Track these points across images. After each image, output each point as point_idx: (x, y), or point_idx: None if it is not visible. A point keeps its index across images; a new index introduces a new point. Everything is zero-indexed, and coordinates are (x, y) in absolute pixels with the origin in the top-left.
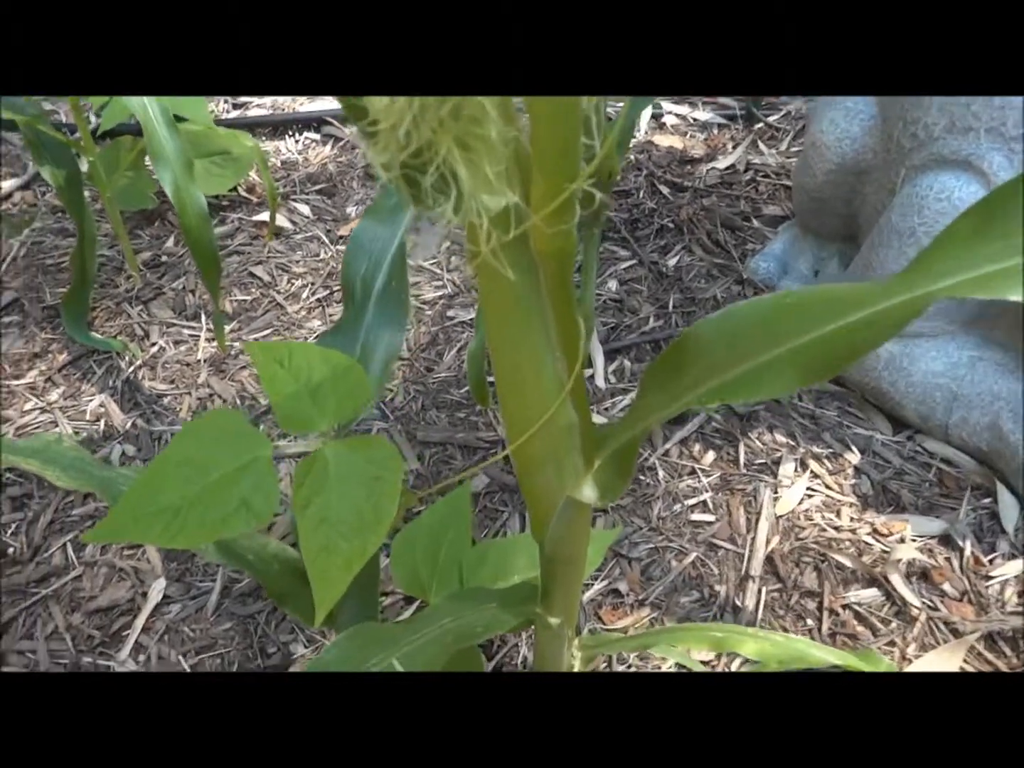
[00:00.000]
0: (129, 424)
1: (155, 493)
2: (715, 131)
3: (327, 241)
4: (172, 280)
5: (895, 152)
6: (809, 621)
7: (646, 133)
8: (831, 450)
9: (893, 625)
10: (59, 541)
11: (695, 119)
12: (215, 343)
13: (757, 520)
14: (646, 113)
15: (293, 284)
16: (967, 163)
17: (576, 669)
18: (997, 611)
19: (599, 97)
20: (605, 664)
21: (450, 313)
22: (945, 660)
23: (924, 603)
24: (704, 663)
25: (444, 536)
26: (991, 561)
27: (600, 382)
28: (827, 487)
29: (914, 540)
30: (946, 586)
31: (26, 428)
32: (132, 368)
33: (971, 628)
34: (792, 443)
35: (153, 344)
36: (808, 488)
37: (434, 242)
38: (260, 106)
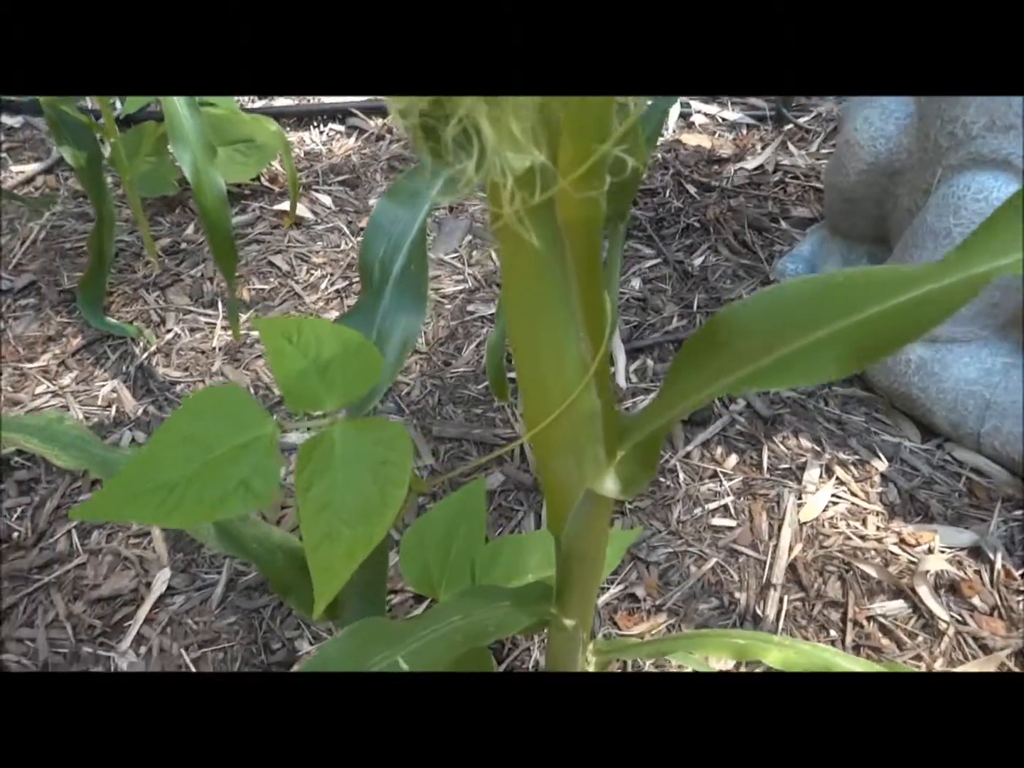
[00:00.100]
0: (141, 411)
1: (152, 470)
2: (744, 131)
3: (348, 232)
4: (191, 267)
5: (931, 151)
6: (832, 632)
7: (674, 132)
8: (858, 457)
9: (920, 639)
10: (64, 527)
11: (724, 119)
12: (231, 331)
13: (780, 526)
14: (674, 111)
15: (312, 274)
16: (1006, 163)
17: None
18: None
19: None
20: (619, 671)
21: (470, 308)
22: None
23: (952, 617)
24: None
25: (456, 532)
26: (1023, 575)
27: (621, 381)
28: (853, 494)
29: (943, 551)
30: (975, 600)
31: (37, 412)
32: (146, 354)
33: (1001, 644)
34: (817, 448)
35: (168, 331)
36: (833, 495)
37: (455, 236)
38: (285, 96)
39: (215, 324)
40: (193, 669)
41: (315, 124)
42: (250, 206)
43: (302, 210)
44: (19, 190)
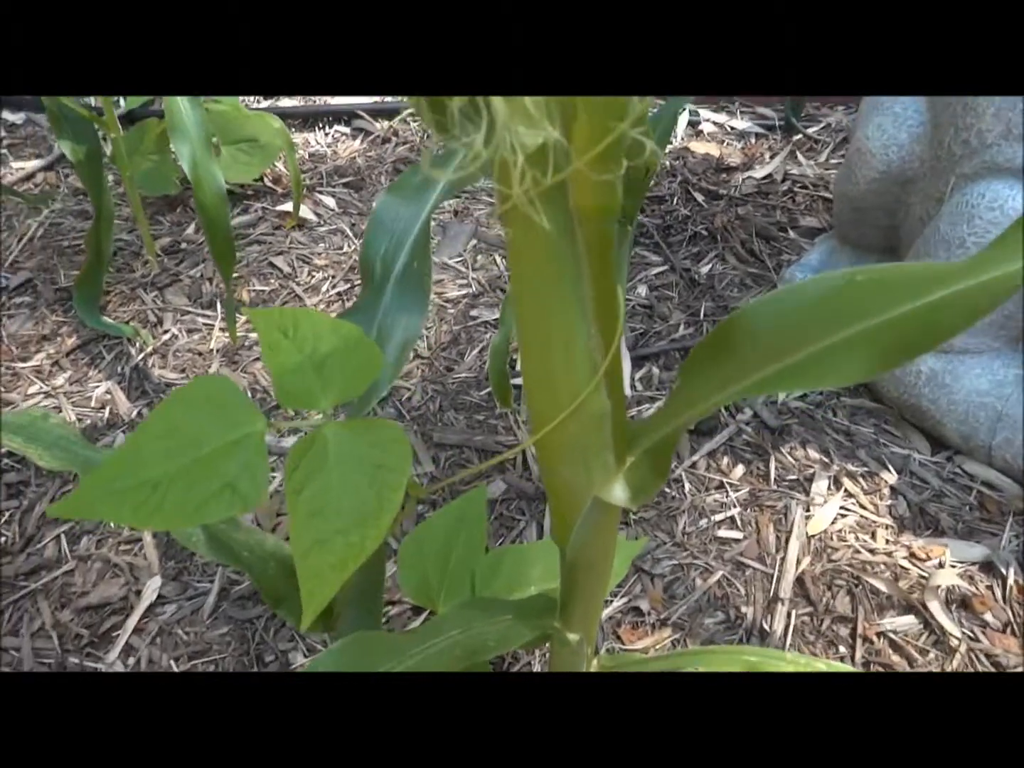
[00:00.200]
0: (135, 413)
1: (133, 467)
2: (752, 140)
3: (351, 235)
4: (190, 267)
5: (945, 160)
6: (842, 648)
7: (682, 140)
8: (866, 468)
9: (931, 655)
10: (53, 532)
11: (732, 128)
12: (228, 332)
13: (787, 539)
14: (683, 119)
15: (314, 276)
16: (1022, 171)
17: None
18: None
19: None
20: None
21: (473, 312)
22: None
23: (964, 633)
24: None
25: (456, 541)
26: None
27: (626, 389)
28: (862, 507)
29: (954, 566)
30: (988, 616)
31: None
32: (142, 355)
33: (1015, 662)
34: (826, 460)
35: (166, 331)
36: (842, 507)
37: (460, 240)
38: (291, 97)
39: (213, 325)
40: None
41: (320, 126)
42: (252, 206)
43: (305, 211)
44: (19, 186)
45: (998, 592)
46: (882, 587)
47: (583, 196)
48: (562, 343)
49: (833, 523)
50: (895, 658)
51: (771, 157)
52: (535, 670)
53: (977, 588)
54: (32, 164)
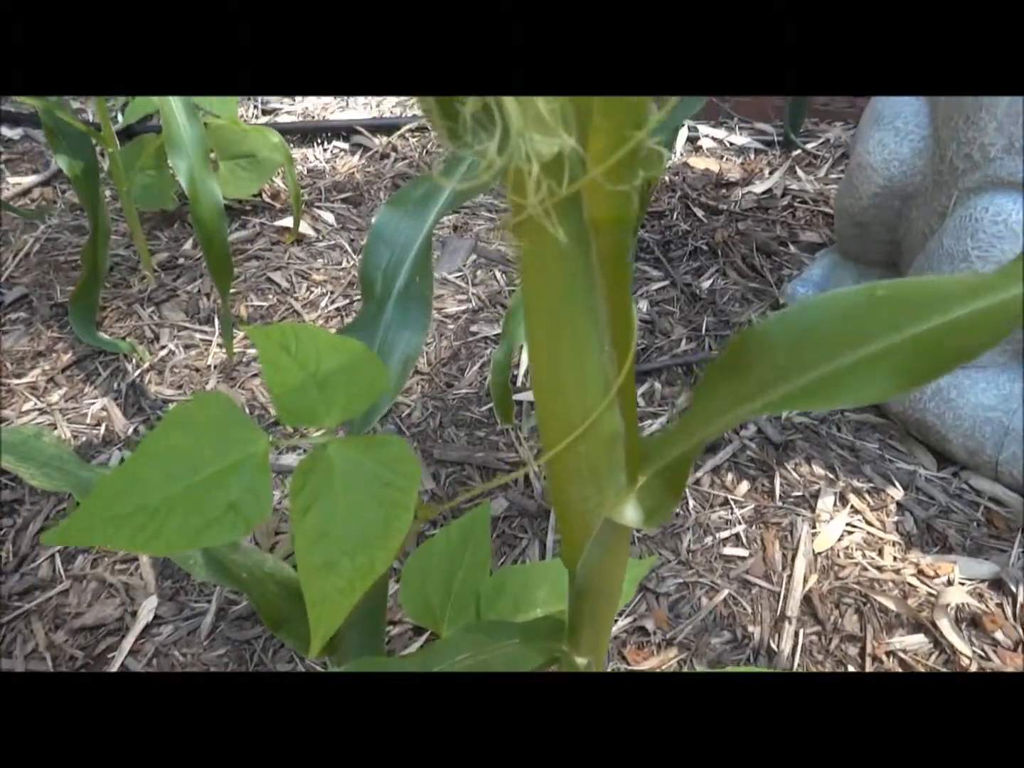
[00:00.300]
0: (131, 430)
1: (132, 490)
2: (752, 156)
3: (350, 250)
4: (187, 283)
5: (947, 174)
6: (851, 667)
7: (682, 155)
8: (872, 484)
9: None
10: (47, 552)
11: (731, 143)
12: (225, 348)
13: (794, 556)
14: (682, 135)
15: (312, 292)
16: None
17: None
18: None
19: None
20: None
21: (473, 328)
22: None
23: (975, 652)
24: None
25: (460, 562)
26: None
27: None
28: (868, 523)
29: (963, 583)
30: (998, 634)
31: None
32: (139, 371)
33: None
34: (831, 476)
35: (163, 347)
36: (848, 524)
37: (459, 255)
38: (290, 113)
39: (211, 341)
40: None
41: (319, 141)
42: (250, 222)
43: (304, 227)
44: (15, 201)
45: (1008, 609)
46: (891, 605)
47: (598, 207)
48: (575, 358)
49: (840, 540)
50: None
51: (770, 172)
52: None
53: (987, 606)
54: (29, 179)
